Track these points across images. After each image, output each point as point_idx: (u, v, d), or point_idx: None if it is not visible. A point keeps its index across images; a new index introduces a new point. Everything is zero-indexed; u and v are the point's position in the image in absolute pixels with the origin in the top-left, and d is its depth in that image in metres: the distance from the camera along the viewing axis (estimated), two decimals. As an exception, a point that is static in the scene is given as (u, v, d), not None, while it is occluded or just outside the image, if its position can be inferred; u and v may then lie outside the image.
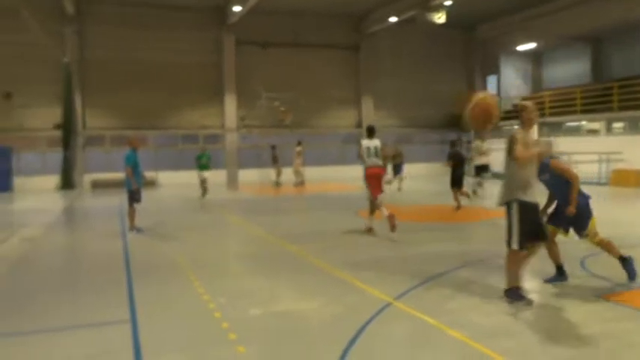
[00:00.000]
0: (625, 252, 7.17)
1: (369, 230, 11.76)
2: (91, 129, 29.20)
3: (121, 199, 19.11)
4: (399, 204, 17.38)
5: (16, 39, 27.13)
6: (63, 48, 27.85)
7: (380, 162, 11.82)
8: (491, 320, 5.78)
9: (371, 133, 12.18)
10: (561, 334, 5.38)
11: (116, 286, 7.61)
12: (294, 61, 31.71)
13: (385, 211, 11.33)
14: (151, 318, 6.09)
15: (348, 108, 33.29)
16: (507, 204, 6.27)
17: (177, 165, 29.50)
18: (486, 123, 6.32)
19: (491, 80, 36.43)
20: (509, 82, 35.82)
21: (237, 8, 27.44)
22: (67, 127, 27.67)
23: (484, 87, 36.20)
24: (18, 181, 27.26)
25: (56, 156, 27.99)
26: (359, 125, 33.13)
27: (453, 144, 16.95)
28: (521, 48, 33.07)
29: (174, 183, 28.52)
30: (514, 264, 6.29)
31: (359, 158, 11.89)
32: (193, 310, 6.39)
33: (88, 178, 28.68)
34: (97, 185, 28.13)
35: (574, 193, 6.84)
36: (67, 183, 27.62)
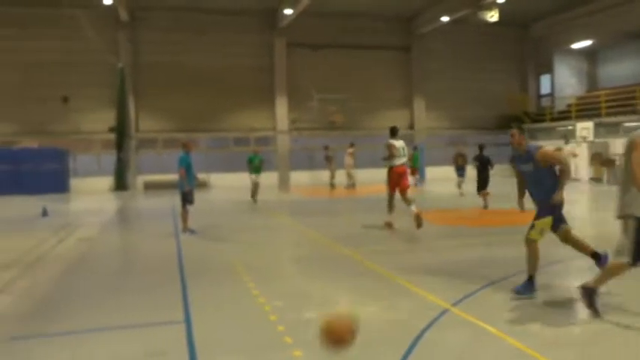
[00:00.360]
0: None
1: (389, 225, 12.71)
2: (144, 132, 29.78)
3: (172, 200, 19.40)
4: (458, 207, 17.15)
5: (73, 46, 28.09)
6: (117, 53, 28.52)
7: (405, 161, 12.85)
8: (553, 330, 5.53)
9: (395, 133, 12.93)
10: (631, 348, 5.10)
11: (170, 286, 7.65)
12: (344, 63, 31.67)
13: (414, 209, 12.23)
14: (206, 319, 6.07)
15: (400, 109, 33.05)
16: (625, 217, 5.66)
17: (228, 167, 29.84)
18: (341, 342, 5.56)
19: (545, 79, 35.66)
20: (563, 81, 34.99)
21: (288, 11, 27.57)
22: (121, 130, 28.28)
23: (537, 86, 35.50)
24: (74, 182, 28.01)
25: (110, 158, 28.63)
26: (411, 127, 32.88)
27: (480, 148, 17.55)
28: (575, 46, 32.35)
29: (225, 185, 28.79)
30: (611, 275, 5.88)
31: (386, 158, 12.75)
32: (248, 312, 6.34)
33: (140, 179, 29.27)
34: (149, 186, 28.64)
35: (564, 179, 6.52)
36: (121, 184, 28.21)
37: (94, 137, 29.36)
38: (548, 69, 35.06)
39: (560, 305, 6.23)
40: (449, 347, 5.15)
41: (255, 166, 19.98)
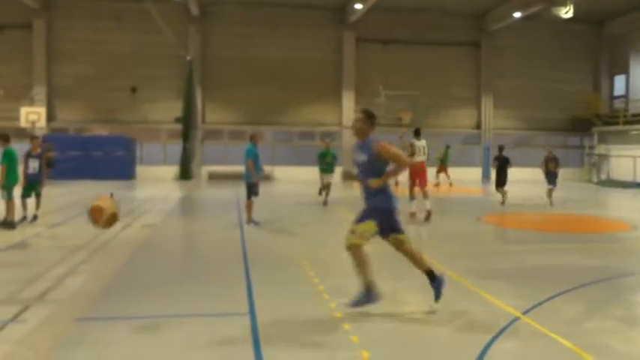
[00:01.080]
0: None
1: (413, 215, 14.04)
2: (210, 123, 30.24)
3: (236, 191, 19.62)
4: (526, 211, 16.80)
5: (144, 39, 28.89)
6: (187, 46, 29.02)
7: (425, 159, 14.37)
8: (633, 348, 5.30)
9: (418, 134, 14.45)
10: None
11: (234, 276, 7.70)
12: (413, 59, 31.32)
13: (428, 205, 13.84)
14: (270, 312, 6.06)
15: (468, 107, 32.47)
16: None
17: (293, 161, 30.03)
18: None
19: (619, 80, 34.29)
20: (639, 83, 33.60)
21: (358, 6, 27.48)
22: (187, 121, 28.74)
23: (611, 87, 34.25)
24: (140, 170, 28.73)
25: (176, 148, 29.15)
26: (478, 126, 32.28)
27: (500, 149, 18.70)
28: (654, 46, 31.07)
29: (289, 178, 28.87)
30: None
31: (408, 156, 13.44)
32: (313, 307, 6.30)
33: (205, 169, 29.74)
34: (213, 177, 29.06)
35: (393, 170, 6.07)
36: (186, 173, 28.67)
37: (161, 127, 29.98)
38: (623, 69, 33.68)
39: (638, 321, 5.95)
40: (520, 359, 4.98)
41: (326, 162, 17.81)
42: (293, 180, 28.27)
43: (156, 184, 25.32)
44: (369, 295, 5.94)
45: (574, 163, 32.97)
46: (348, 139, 30.44)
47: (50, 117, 28.63)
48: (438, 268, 6.52)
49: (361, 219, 6.06)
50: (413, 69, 31.25)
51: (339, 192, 23.63)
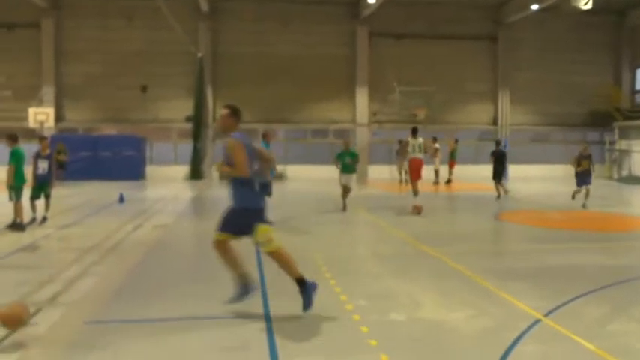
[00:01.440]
0: None
1: (417, 209, 14.95)
2: (221, 121, 30.24)
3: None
4: (546, 209, 16.71)
5: (154, 36, 28.95)
6: (197, 43, 29.03)
7: (421, 156, 15.30)
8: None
9: (415, 133, 15.41)
10: None
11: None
12: (429, 54, 31.16)
13: (417, 201, 15.05)
14: (286, 314, 6.06)
15: (484, 103, 32.26)
16: None
17: (306, 159, 30.01)
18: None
19: (641, 73, 33.94)
20: (662, 76, 33.25)
21: (371, 0, 27.35)
22: (198, 120, 28.80)
23: (632, 80, 33.90)
24: (150, 170, 28.78)
25: (186, 147, 29.21)
26: (494, 122, 32.09)
27: (497, 143, 20.62)
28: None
29: (302, 177, 28.78)
30: None
31: (400, 153, 16.82)
32: (330, 310, 6.24)
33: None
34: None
35: (232, 173, 5.95)
36: (196, 173, 28.73)
37: (171, 126, 30.05)
38: (646, 62, 33.38)
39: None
40: (544, 361, 4.94)
41: (346, 164, 15.88)
42: (306, 179, 28.20)
43: (166, 184, 25.43)
44: (246, 286, 6.10)
45: (594, 159, 32.63)
46: (363, 137, 30.45)
47: (59, 117, 28.78)
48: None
49: (250, 227, 5.97)
50: (428, 63, 31.08)
51: (353, 191, 23.60)
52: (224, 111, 6.28)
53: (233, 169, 5.94)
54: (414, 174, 15.44)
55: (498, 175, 19.09)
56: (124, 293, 7.06)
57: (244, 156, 5.93)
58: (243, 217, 6.00)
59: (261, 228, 5.96)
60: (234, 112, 6.27)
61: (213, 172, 29.26)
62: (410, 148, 15.37)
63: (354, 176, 16.33)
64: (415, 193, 15.26)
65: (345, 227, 13.26)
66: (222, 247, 6.11)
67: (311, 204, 18.17)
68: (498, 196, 18.74)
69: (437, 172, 26.01)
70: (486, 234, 12.44)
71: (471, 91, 31.90)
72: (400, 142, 16.08)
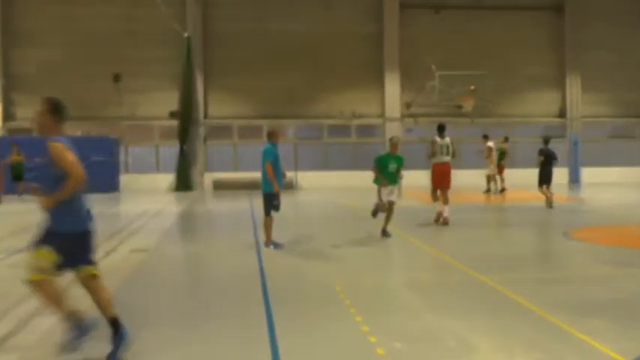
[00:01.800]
0: None
1: (440, 219, 16.04)
2: (215, 118, 30.34)
3: (250, 204, 19.55)
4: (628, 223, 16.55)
5: (130, 12, 29.00)
6: (184, 20, 29.12)
7: (449, 159, 15.89)
8: None
9: (442, 131, 15.96)
10: None
11: (251, 316, 7.61)
12: (475, 29, 31.10)
13: (446, 212, 15.91)
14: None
15: (548, 90, 32.16)
16: None
17: (322, 164, 29.99)
18: None
19: None
20: None
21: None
22: (186, 116, 28.93)
23: None
24: (125, 179, 28.92)
25: (172, 150, 29.40)
26: (561, 114, 31.90)
27: (545, 140, 20.40)
28: None
29: (317, 186, 28.85)
30: None
31: (429, 157, 16.25)
32: (356, 354, 6.20)
33: (209, 177, 29.81)
34: (220, 186, 29.17)
35: (70, 188, 5.85)
36: (184, 183, 28.82)
37: (152, 124, 30.19)
38: None
39: None
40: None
41: (390, 172, 14.15)
42: (322, 188, 28.29)
43: (146, 196, 25.50)
44: (80, 327, 5.92)
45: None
46: (393, 134, 30.26)
47: (7, 115, 28.93)
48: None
49: (37, 244, 5.90)
50: (476, 42, 31.02)
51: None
52: (40, 107, 6.12)
53: (67, 182, 5.87)
54: (443, 181, 16.02)
55: (548, 178, 19.67)
56: (90, 335, 6.97)
57: (73, 155, 5.94)
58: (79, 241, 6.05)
59: (45, 251, 5.83)
60: (56, 109, 6.14)
61: (205, 181, 29.39)
62: (437, 149, 15.91)
63: (396, 185, 14.52)
64: (444, 201, 16.00)
65: (373, 249, 13.12)
66: (45, 289, 5.87)
67: (330, 220, 18.14)
68: (550, 204, 19.48)
69: (490, 178, 25.87)
70: (554, 256, 12.39)
71: (531, 75, 31.78)
72: (431, 142, 16.34)
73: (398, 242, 14.26)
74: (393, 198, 14.11)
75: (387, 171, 14.02)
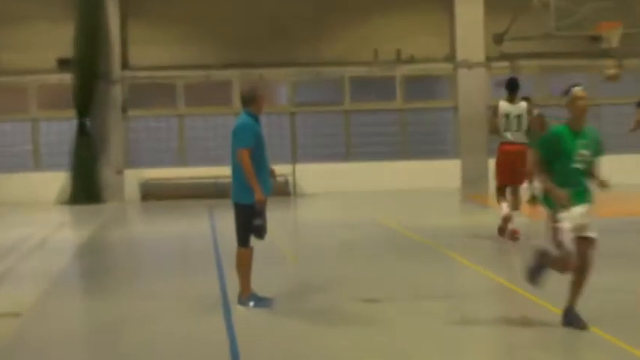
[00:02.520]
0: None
1: (512, 232, 16.78)
2: (142, 69, 30.45)
3: (208, 224, 19.41)
4: None
5: None
6: None
7: (524, 138, 16.58)
8: None
9: (513, 89, 16.82)
10: None
11: None
12: None
13: (514, 221, 16.84)
14: None
15: None
16: None
17: (339, 149, 30.01)
18: None
19: None
20: None
21: None
22: (87, 66, 28.93)
23: None
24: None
25: (62, 128, 29.30)
26: None
27: None
28: None
29: (331, 189, 28.92)
30: None
31: (491, 132, 17.70)
32: None
33: (133, 177, 29.71)
34: (153, 193, 29.36)
35: None
36: (87, 189, 28.81)
37: (29, 81, 30.16)
38: None
39: None
40: None
41: (574, 173, 12.98)
42: (340, 192, 28.46)
43: (19, 213, 25.73)
44: None
45: None
46: (473, 92, 30.01)
47: None
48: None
49: None
50: None
51: (455, 213, 23.35)
52: None
53: None
54: (513, 172, 16.64)
55: None
56: None
57: None
58: None
59: None
60: None
61: (126, 185, 29.27)
62: (501, 124, 16.94)
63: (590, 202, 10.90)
64: (514, 205, 17.13)
65: (436, 304, 12.81)
66: None
67: (355, 249, 18.41)
68: None
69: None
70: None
71: None
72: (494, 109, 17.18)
73: (479, 287, 14.00)
74: (591, 233, 10.51)
75: (568, 168, 10.64)
